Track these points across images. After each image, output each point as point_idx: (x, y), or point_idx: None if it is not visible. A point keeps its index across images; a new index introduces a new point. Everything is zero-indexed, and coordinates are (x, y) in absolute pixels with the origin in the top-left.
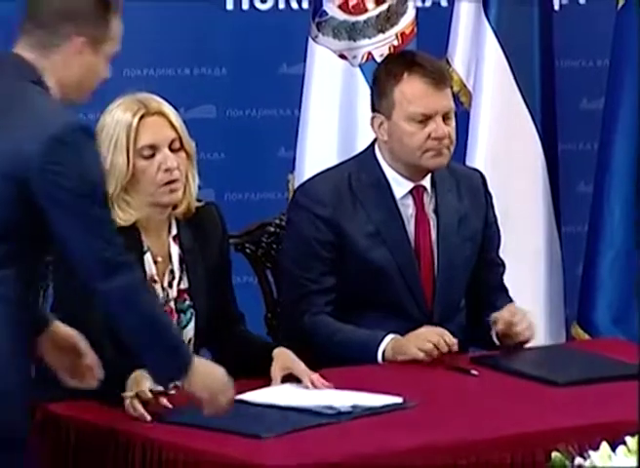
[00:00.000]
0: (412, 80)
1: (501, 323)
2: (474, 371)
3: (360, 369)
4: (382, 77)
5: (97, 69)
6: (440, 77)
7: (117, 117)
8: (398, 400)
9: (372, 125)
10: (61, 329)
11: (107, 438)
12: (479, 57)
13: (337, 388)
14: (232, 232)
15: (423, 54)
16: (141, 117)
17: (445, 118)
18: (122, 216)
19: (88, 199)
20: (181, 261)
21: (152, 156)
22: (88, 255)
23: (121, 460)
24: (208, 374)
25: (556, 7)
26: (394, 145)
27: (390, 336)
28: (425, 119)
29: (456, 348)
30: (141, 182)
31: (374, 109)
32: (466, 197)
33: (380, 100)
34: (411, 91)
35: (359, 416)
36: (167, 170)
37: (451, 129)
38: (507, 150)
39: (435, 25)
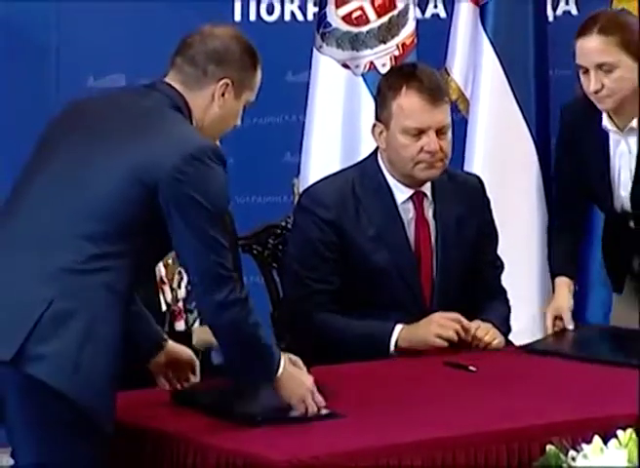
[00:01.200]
0: (409, 95)
1: (468, 335)
2: (472, 368)
3: (357, 365)
4: (384, 89)
5: (234, 113)
6: (437, 93)
7: None
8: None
9: (372, 132)
10: (177, 347)
11: (120, 430)
12: (477, 66)
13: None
14: (240, 234)
15: (425, 67)
16: None
17: (439, 133)
18: None
19: (207, 212)
20: None
21: None
22: (197, 266)
23: (133, 452)
24: (295, 379)
25: (550, 18)
26: (391, 154)
27: (400, 326)
28: (419, 133)
29: (473, 332)
30: None
31: (376, 117)
32: (465, 201)
33: (381, 110)
34: (407, 105)
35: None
36: None
37: (445, 143)
38: (503, 155)
39: (434, 36)
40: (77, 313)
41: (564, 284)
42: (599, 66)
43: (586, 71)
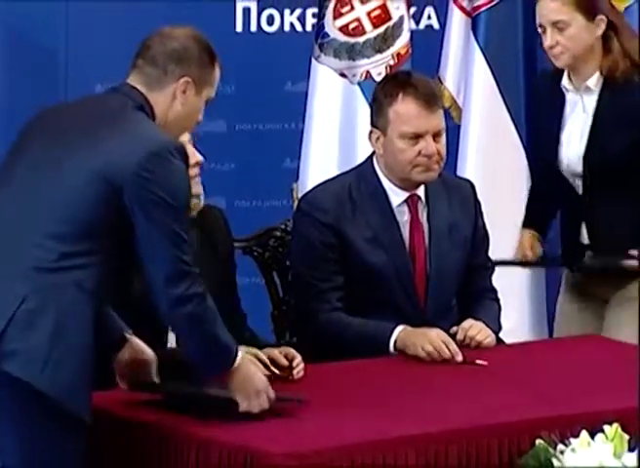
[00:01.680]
0: (406, 101)
1: (460, 334)
2: (480, 361)
3: (355, 362)
4: (380, 96)
5: (197, 109)
6: (432, 99)
7: None
8: None
9: (369, 138)
10: (141, 345)
11: (126, 425)
12: (468, 75)
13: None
14: (241, 237)
15: (419, 75)
16: None
17: (435, 136)
18: None
19: (171, 209)
20: None
21: None
22: (159, 261)
23: (138, 447)
24: (245, 377)
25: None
26: (388, 159)
27: (400, 328)
28: (417, 137)
29: (459, 358)
30: None
31: (372, 124)
32: (457, 205)
33: (377, 117)
34: (404, 111)
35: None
36: (196, 164)
37: (440, 146)
38: (494, 161)
39: (428, 46)
40: (48, 310)
41: (527, 231)
42: (554, 24)
43: (545, 31)
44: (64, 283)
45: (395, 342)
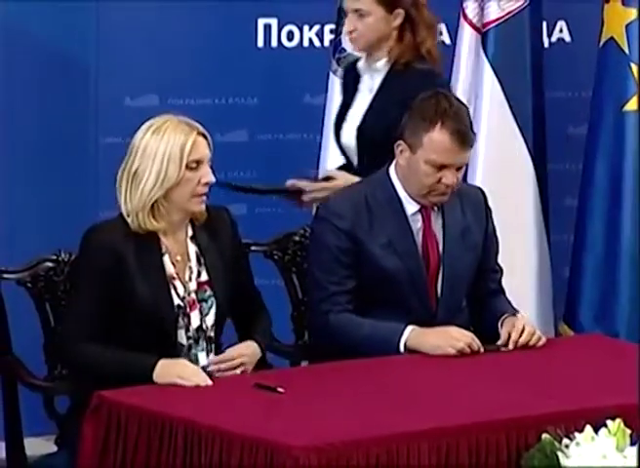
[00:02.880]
0: (443, 132)
1: (505, 331)
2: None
3: (367, 361)
4: (417, 115)
5: None
6: (467, 137)
7: (169, 136)
8: None
9: (395, 148)
10: None
11: (153, 421)
12: (478, 88)
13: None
14: (262, 241)
15: (458, 104)
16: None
17: (459, 168)
18: (153, 223)
19: None
20: (199, 258)
21: (196, 169)
22: None
23: (165, 441)
24: None
25: (546, 45)
26: (410, 175)
27: (410, 328)
28: (442, 167)
29: (482, 350)
30: (182, 191)
31: (401, 136)
32: (469, 212)
33: (409, 134)
34: (439, 142)
35: None
36: (206, 184)
37: (460, 175)
38: (503, 169)
39: (440, 60)
40: None
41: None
42: (355, 11)
43: (347, 15)
44: None
45: (406, 343)
